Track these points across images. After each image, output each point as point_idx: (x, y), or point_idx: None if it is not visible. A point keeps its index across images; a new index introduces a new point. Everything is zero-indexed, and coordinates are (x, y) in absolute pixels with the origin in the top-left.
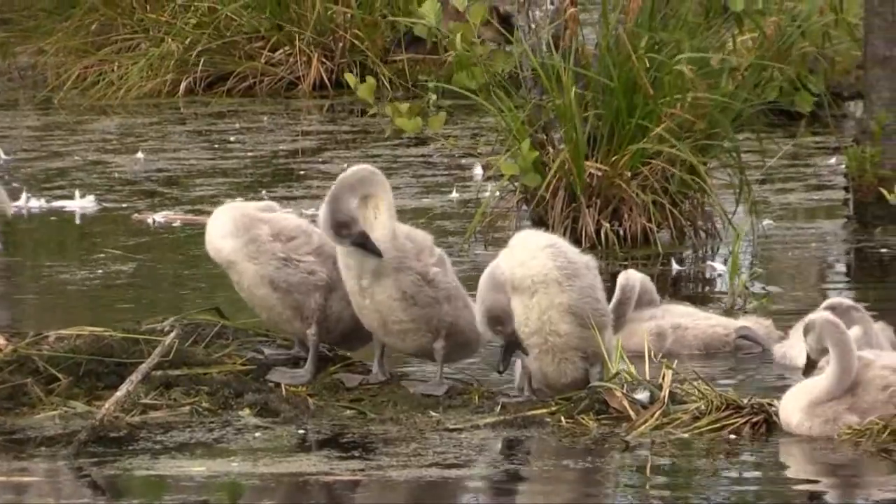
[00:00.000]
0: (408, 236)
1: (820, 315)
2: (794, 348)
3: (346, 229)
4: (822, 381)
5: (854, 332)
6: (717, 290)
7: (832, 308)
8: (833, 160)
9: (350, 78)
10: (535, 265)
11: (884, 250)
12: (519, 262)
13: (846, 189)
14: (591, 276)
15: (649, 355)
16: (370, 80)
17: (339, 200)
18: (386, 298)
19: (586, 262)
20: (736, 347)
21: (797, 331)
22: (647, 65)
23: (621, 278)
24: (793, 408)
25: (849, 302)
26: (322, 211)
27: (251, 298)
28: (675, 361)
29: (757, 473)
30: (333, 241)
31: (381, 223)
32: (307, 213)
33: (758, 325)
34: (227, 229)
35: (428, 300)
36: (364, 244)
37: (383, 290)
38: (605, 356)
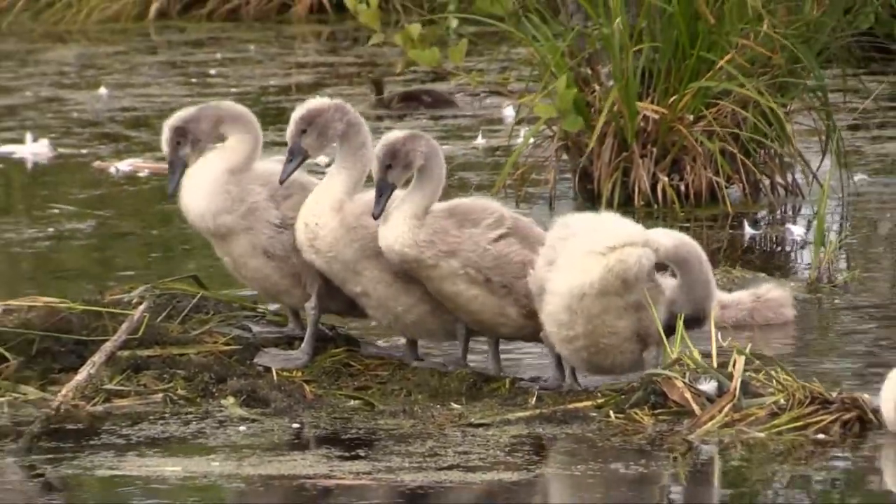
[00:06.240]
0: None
1: None
2: None
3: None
4: None
5: None
6: (798, 259)
7: None
8: None
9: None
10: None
11: None
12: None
13: None
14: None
15: (717, 336)
16: (373, 0)
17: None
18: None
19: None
20: None
21: None
22: None
23: None
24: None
25: None
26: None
27: (241, 270)
28: (749, 346)
29: (850, 481)
30: None
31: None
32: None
33: (773, 292)
34: (221, 204)
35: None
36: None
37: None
38: (663, 337)
